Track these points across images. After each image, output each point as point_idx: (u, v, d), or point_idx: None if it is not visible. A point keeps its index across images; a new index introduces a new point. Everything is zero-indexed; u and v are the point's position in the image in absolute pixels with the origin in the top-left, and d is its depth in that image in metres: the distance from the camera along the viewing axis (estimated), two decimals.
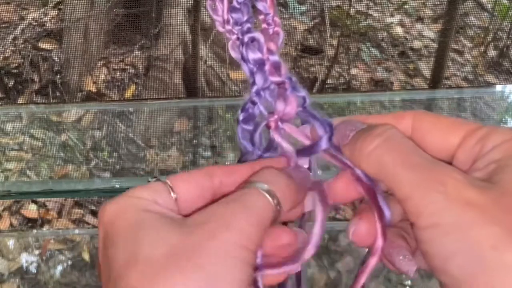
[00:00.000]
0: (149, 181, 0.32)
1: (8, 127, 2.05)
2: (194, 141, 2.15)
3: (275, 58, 0.36)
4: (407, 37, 2.74)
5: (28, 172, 2.00)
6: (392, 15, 2.81)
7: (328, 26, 2.50)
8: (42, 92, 2.42)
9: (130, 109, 2.09)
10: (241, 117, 0.36)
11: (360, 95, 2.11)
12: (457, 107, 1.69)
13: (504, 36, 2.65)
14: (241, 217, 0.29)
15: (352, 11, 2.56)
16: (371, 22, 2.72)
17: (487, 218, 0.27)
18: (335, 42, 2.49)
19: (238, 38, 0.36)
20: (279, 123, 0.35)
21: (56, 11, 2.63)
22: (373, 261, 0.32)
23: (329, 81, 2.49)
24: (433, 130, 0.32)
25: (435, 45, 2.47)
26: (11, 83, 2.44)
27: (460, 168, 0.31)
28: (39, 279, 1.65)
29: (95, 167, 2.01)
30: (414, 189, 0.29)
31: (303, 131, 0.35)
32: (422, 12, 2.80)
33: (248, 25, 0.36)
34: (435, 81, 2.20)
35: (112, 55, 2.52)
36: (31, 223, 1.96)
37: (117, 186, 1.05)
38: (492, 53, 2.69)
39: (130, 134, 2.08)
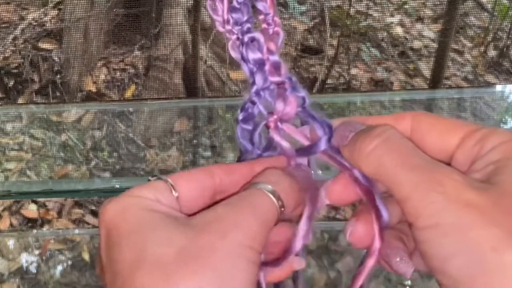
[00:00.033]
0: (149, 180, 0.32)
1: (8, 127, 2.05)
2: (194, 141, 2.15)
3: (275, 58, 0.36)
4: (407, 37, 2.74)
5: (28, 172, 2.00)
6: (392, 15, 2.81)
7: (328, 26, 2.50)
8: (42, 92, 2.42)
9: (130, 109, 2.09)
10: (240, 117, 0.36)
11: (360, 95, 2.11)
12: (457, 107, 1.69)
13: (504, 36, 2.65)
14: (248, 217, 0.29)
15: (352, 11, 2.56)
16: (371, 22, 2.72)
17: (487, 219, 0.27)
18: (335, 42, 2.49)
19: (238, 38, 0.36)
20: (279, 123, 0.35)
21: (56, 11, 2.63)
22: (370, 262, 0.32)
23: (329, 81, 2.49)
24: (432, 131, 0.32)
25: (435, 45, 2.47)
26: (11, 83, 2.44)
27: (459, 169, 0.31)
28: (39, 279, 1.65)
29: (95, 167, 2.01)
30: (413, 189, 0.29)
31: (303, 132, 0.35)
32: (422, 12, 2.80)
33: (248, 25, 0.36)
34: (435, 81, 2.20)
35: (112, 55, 2.52)
36: (31, 223, 1.96)
37: (117, 186, 1.05)
38: (492, 53, 2.69)
39: (130, 134, 2.08)
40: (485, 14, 2.71)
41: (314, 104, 0.36)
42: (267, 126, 0.35)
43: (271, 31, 0.36)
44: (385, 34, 2.70)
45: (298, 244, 0.32)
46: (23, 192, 1.13)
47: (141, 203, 0.30)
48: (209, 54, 2.41)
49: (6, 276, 1.65)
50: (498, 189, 0.28)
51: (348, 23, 2.52)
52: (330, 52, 2.50)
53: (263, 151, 0.36)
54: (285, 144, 0.35)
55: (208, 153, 2.09)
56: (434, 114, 0.34)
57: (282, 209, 0.31)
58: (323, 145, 0.34)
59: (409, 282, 1.55)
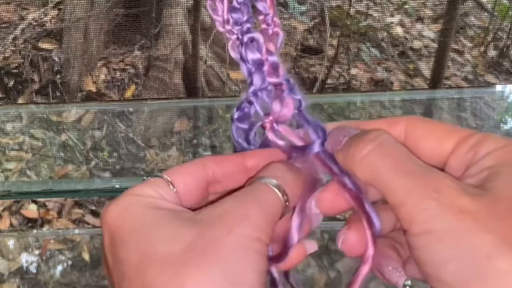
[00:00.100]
0: (144, 180, 0.32)
1: (8, 127, 2.05)
2: (194, 141, 2.15)
3: (274, 59, 0.36)
4: (407, 37, 2.74)
5: (28, 172, 2.00)
6: (392, 15, 2.81)
7: (328, 26, 2.50)
8: (42, 92, 2.42)
9: (130, 109, 2.09)
10: (236, 116, 0.36)
11: (360, 95, 2.11)
12: (457, 107, 1.68)
13: (504, 36, 2.65)
14: (254, 211, 0.30)
15: (352, 11, 2.56)
16: (371, 22, 2.72)
17: (480, 225, 0.27)
18: (335, 42, 2.49)
19: (237, 38, 0.36)
20: (275, 124, 0.35)
21: (56, 11, 2.63)
22: (364, 270, 0.32)
23: (329, 81, 2.49)
24: (426, 137, 0.32)
25: (435, 45, 2.47)
26: (11, 83, 2.44)
27: (452, 175, 0.31)
28: (39, 279, 1.65)
29: (95, 167, 2.01)
30: (407, 195, 0.29)
31: (298, 134, 0.35)
32: (422, 12, 2.80)
33: (248, 25, 0.36)
34: (435, 81, 2.20)
35: (112, 55, 2.52)
36: (31, 223, 1.96)
37: (117, 186, 1.05)
38: (492, 53, 2.69)
39: (130, 134, 2.08)
40: (485, 14, 2.71)
41: (314, 104, 0.36)
42: (263, 127, 0.36)
43: (270, 31, 0.36)
44: (385, 34, 2.70)
45: (294, 237, 0.32)
46: (23, 192, 1.13)
47: (143, 201, 0.31)
48: (209, 54, 2.41)
49: (6, 276, 1.65)
50: (492, 195, 0.28)
51: (348, 23, 2.52)
52: (330, 52, 2.50)
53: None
54: (280, 142, 0.35)
55: (208, 153, 2.09)
56: (428, 119, 0.34)
57: (287, 203, 0.32)
58: (316, 148, 0.34)
59: (409, 282, 1.55)
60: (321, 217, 0.34)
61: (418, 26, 2.78)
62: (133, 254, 0.29)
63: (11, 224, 1.95)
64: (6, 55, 2.50)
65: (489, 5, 2.64)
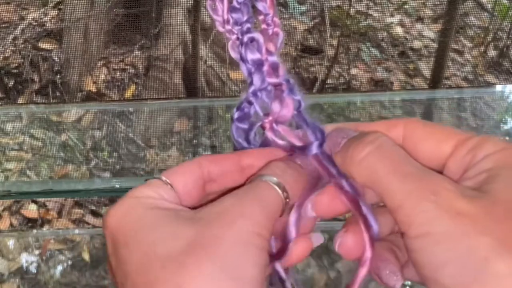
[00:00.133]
0: (145, 181, 0.33)
1: (8, 127, 2.05)
2: (194, 141, 2.15)
3: (273, 59, 0.36)
4: (407, 37, 2.74)
5: (28, 172, 2.00)
6: (392, 15, 2.81)
7: (328, 26, 2.50)
8: (42, 92, 2.42)
9: (130, 109, 2.09)
10: (235, 115, 0.36)
11: (360, 95, 2.11)
12: (457, 107, 1.68)
13: (504, 36, 2.65)
14: (254, 208, 0.30)
15: (352, 11, 2.56)
16: (371, 22, 2.72)
17: (478, 228, 0.27)
18: (335, 42, 2.49)
19: (237, 38, 0.36)
20: (274, 124, 0.35)
21: (56, 11, 2.63)
22: (362, 272, 0.32)
23: (329, 81, 2.49)
24: (425, 139, 0.33)
25: (435, 45, 2.47)
26: (11, 83, 2.44)
27: (451, 177, 0.31)
28: (39, 279, 1.65)
29: (95, 167, 2.01)
30: (405, 198, 0.29)
31: (297, 135, 0.35)
32: (422, 12, 2.80)
33: (248, 25, 0.36)
34: (435, 81, 2.20)
35: (112, 55, 2.52)
36: (31, 223, 1.96)
37: (117, 186, 1.05)
38: (492, 53, 2.69)
39: (130, 134, 2.08)
40: (485, 14, 2.71)
41: (314, 105, 0.36)
42: (262, 127, 0.36)
43: (270, 31, 0.36)
44: (385, 34, 2.70)
45: (292, 232, 0.32)
46: (23, 192, 1.13)
47: (143, 202, 0.31)
48: (209, 54, 2.41)
49: (6, 276, 1.65)
50: (490, 197, 0.28)
51: (348, 23, 2.52)
52: (330, 52, 2.50)
53: None
54: (280, 142, 0.35)
55: (208, 153, 2.09)
56: (426, 121, 0.34)
57: (287, 200, 0.32)
58: (314, 150, 0.34)
59: (409, 283, 1.55)
60: (317, 219, 0.34)
61: (418, 26, 2.78)
62: (135, 254, 0.29)
63: (11, 224, 1.95)
64: (6, 55, 2.50)
65: (489, 5, 2.64)
